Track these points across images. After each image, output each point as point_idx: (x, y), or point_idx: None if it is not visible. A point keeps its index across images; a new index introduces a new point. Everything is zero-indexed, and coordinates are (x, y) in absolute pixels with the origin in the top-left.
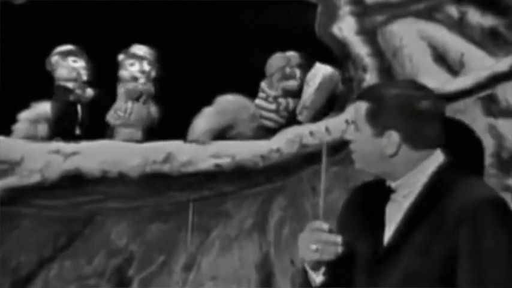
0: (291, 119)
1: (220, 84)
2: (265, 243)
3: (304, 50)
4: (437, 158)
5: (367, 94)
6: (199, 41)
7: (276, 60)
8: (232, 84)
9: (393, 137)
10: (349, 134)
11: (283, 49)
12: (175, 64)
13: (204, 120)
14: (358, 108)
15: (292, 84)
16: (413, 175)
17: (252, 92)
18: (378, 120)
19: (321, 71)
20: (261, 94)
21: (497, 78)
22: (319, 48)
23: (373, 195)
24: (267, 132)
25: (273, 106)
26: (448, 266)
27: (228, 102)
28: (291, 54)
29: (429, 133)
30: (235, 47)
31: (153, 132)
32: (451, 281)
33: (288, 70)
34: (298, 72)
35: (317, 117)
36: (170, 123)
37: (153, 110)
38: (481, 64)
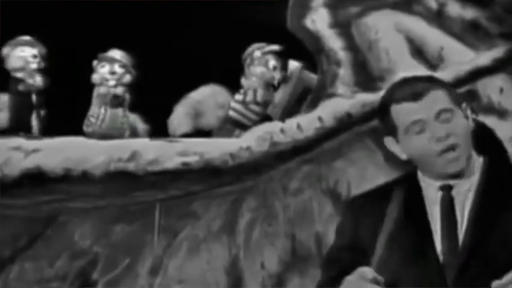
0: (261, 114)
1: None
2: (234, 245)
3: (274, 44)
4: (478, 158)
5: (433, 82)
6: (172, 42)
7: (248, 48)
8: (211, 76)
9: (468, 109)
10: (446, 129)
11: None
12: (157, 68)
13: (180, 111)
14: (439, 97)
15: (262, 70)
16: (469, 168)
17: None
18: (457, 99)
19: (290, 67)
20: (241, 90)
21: (478, 73)
22: (290, 42)
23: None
24: (233, 125)
25: (240, 97)
26: None
27: (202, 90)
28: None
29: None
30: (208, 44)
31: None
32: None
33: (257, 54)
34: (272, 61)
35: (287, 114)
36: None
37: (134, 119)
38: (461, 58)
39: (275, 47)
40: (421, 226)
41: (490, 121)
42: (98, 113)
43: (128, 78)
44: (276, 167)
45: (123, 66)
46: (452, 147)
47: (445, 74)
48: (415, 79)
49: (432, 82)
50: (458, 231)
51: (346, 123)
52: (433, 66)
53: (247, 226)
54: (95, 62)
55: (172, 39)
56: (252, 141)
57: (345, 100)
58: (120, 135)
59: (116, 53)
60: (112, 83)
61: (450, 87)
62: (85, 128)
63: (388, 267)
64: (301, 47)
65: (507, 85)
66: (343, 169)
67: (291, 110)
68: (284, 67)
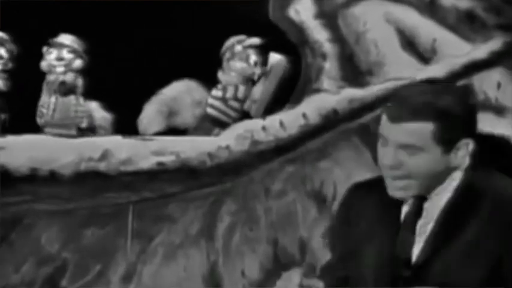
0: (241, 111)
1: (174, 74)
2: (213, 251)
3: (256, 36)
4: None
5: (424, 112)
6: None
7: (228, 41)
8: (186, 73)
9: (470, 145)
10: (401, 162)
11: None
12: (124, 56)
13: (152, 108)
14: (415, 131)
15: (242, 66)
16: (448, 183)
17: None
18: (450, 135)
19: (270, 60)
20: (218, 85)
21: (473, 67)
22: (273, 33)
23: (380, 194)
24: (211, 123)
25: (219, 93)
26: (493, 269)
27: (176, 86)
28: (244, 36)
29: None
30: (186, 34)
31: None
32: (494, 284)
33: (238, 48)
34: (253, 56)
35: (268, 111)
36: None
37: (93, 107)
38: (456, 51)
39: (256, 41)
40: (390, 230)
41: (486, 118)
42: (48, 103)
43: (78, 63)
44: (257, 167)
45: (72, 51)
46: (401, 177)
47: (438, 68)
48: (421, 92)
49: (427, 113)
50: (413, 246)
51: (332, 121)
52: (425, 59)
53: (226, 231)
54: (44, 49)
55: (148, 30)
56: (232, 140)
57: (330, 96)
58: (74, 125)
59: (65, 38)
60: (60, 69)
61: (449, 120)
62: (38, 120)
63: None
64: (284, 39)
65: (505, 80)
66: (328, 170)
67: (273, 106)
68: (265, 61)
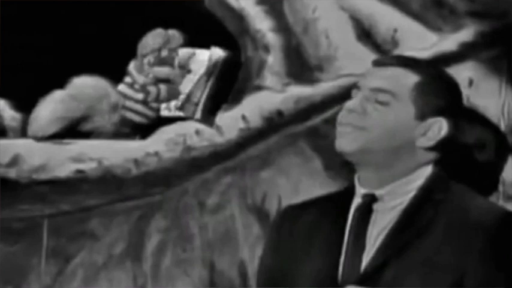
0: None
1: (79, 65)
2: (140, 273)
3: (188, 25)
4: (427, 169)
5: (414, 64)
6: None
7: (152, 39)
8: (95, 65)
9: (442, 125)
10: (364, 110)
11: (162, 25)
12: (37, 50)
13: (50, 107)
14: (398, 76)
15: (166, 72)
16: (402, 184)
17: (119, 76)
18: (431, 99)
19: (210, 55)
20: (127, 79)
21: (441, 61)
22: (207, 22)
23: (326, 210)
24: (131, 129)
25: (139, 95)
26: (454, 281)
27: (84, 86)
28: (172, 33)
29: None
30: (100, 19)
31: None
32: None
33: (164, 53)
34: (177, 58)
35: (208, 112)
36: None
37: (1, 106)
38: (420, 42)
39: (180, 39)
40: (333, 243)
41: None
42: None
43: None
44: (190, 177)
45: None
46: (355, 126)
47: None
48: (407, 56)
49: (414, 64)
50: (363, 254)
51: (276, 123)
52: (384, 52)
53: (155, 250)
54: None
55: (65, 22)
56: (161, 145)
57: (274, 94)
58: None
59: None
60: None
61: (434, 84)
62: None
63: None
64: (220, 29)
65: (477, 76)
66: (272, 180)
67: (216, 107)
68: (191, 57)
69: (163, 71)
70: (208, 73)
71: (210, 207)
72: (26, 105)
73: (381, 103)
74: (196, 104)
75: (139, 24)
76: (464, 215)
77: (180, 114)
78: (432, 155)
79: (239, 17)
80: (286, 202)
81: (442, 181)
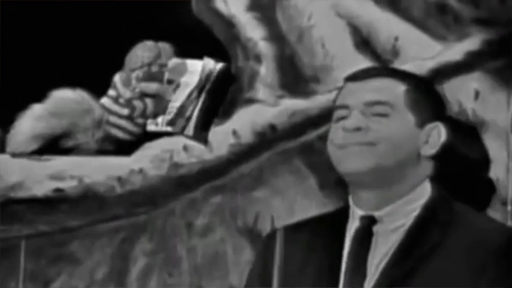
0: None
1: (60, 77)
2: None
3: (175, 33)
4: (426, 187)
5: (393, 73)
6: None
7: (142, 53)
8: (77, 77)
9: (441, 130)
10: (367, 126)
11: (148, 32)
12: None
13: (29, 123)
14: (387, 87)
15: (155, 88)
16: (404, 204)
17: (103, 89)
18: (423, 103)
19: (202, 66)
20: (111, 92)
21: (445, 72)
22: (195, 30)
23: (318, 234)
24: (116, 145)
25: (125, 111)
26: None
27: (65, 101)
28: (163, 46)
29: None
30: (81, 26)
31: None
32: None
33: (155, 69)
34: (167, 73)
35: (201, 128)
36: None
37: None
38: (423, 51)
39: (175, 61)
40: (329, 270)
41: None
42: None
43: None
44: (177, 196)
45: None
46: (364, 143)
47: None
48: (384, 67)
49: (396, 73)
50: (365, 282)
51: (268, 139)
52: (384, 62)
53: (140, 275)
54: None
55: (49, 29)
56: (146, 161)
57: (267, 108)
58: None
59: None
60: None
61: (421, 89)
62: None
63: None
64: (209, 37)
65: (484, 87)
66: (265, 200)
67: (205, 122)
68: (182, 68)
69: (151, 86)
70: (201, 86)
71: (198, 229)
72: (3, 120)
73: (381, 115)
74: (188, 119)
75: (124, 31)
76: (472, 237)
77: (168, 129)
78: (431, 168)
79: (229, 24)
80: (280, 223)
81: (445, 200)
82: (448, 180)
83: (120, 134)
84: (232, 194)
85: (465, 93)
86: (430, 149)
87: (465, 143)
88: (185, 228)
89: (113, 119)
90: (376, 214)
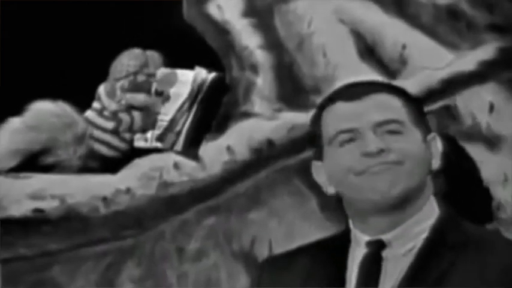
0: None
1: (40, 88)
2: None
3: (164, 40)
4: (432, 205)
5: (382, 86)
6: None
7: (128, 61)
8: (59, 88)
9: (437, 139)
10: (388, 146)
11: (135, 39)
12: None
13: (5, 138)
14: (389, 103)
15: (142, 100)
16: (412, 225)
17: (87, 101)
18: (419, 118)
19: (194, 76)
20: (95, 104)
21: (457, 83)
22: (186, 37)
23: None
24: (101, 162)
25: (110, 124)
26: None
27: (44, 114)
28: (151, 54)
29: None
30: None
31: None
32: None
33: (141, 78)
34: (155, 85)
35: (191, 144)
36: None
37: None
38: (433, 61)
39: (163, 70)
40: None
41: (474, 152)
42: None
43: None
44: (167, 218)
45: None
46: (391, 163)
47: (408, 84)
48: (369, 81)
49: (388, 88)
50: None
51: (266, 156)
52: (391, 72)
53: None
54: None
55: (29, 33)
56: (134, 180)
57: (264, 122)
58: None
59: None
60: None
61: (414, 102)
62: None
63: None
64: (202, 45)
65: (499, 100)
66: (262, 223)
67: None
68: (172, 79)
69: (138, 98)
70: (193, 97)
71: (190, 254)
72: None
73: (396, 133)
74: (178, 133)
75: (109, 37)
76: (484, 258)
77: (158, 145)
78: (437, 183)
79: (223, 31)
80: (278, 248)
81: (454, 220)
82: (450, 194)
83: (104, 150)
84: (227, 216)
85: (479, 106)
86: (436, 162)
87: (454, 153)
88: (176, 253)
89: (97, 133)
90: (384, 238)
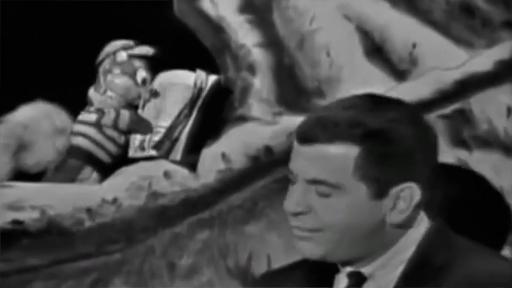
0: (120, 145)
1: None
2: None
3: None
4: (422, 222)
5: (349, 131)
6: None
7: (108, 48)
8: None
9: (413, 191)
10: (309, 207)
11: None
12: None
13: None
14: (330, 160)
15: (126, 83)
16: (395, 253)
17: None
18: (384, 170)
19: (194, 79)
20: (87, 107)
21: (472, 84)
22: (177, 34)
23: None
24: (80, 160)
25: (91, 117)
26: None
27: (28, 110)
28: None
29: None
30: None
31: None
32: None
33: (122, 57)
34: (141, 72)
35: (189, 152)
36: None
37: None
38: (446, 60)
39: (148, 49)
40: None
41: (490, 159)
42: None
43: None
44: (157, 231)
45: None
46: (309, 229)
47: (419, 86)
48: (351, 106)
49: (361, 125)
50: None
51: (264, 164)
52: (400, 72)
53: None
54: None
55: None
56: (121, 190)
57: (262, 127)
58: None
59: None
60: None
61: (395, 145)
62: None
63: None
64: (194, 43)
65: None
66: (259, 236)
67: (195, 144)
68: (173, 80)
69: (117, 81)
70: (193, 102)
71: (182, 270)
72: None
73: (323, 195)
74: (176, 141)
75: (110, 36)
76: (472, 282)
77: (153, 153)
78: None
79: (217, 28)
80: (277, 263)
81: (442, 237)
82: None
83: (84, 144)
84: (222, 229)
85: (495, 110)
86: (399, 215)
87: (474, 188)
88: (167, 269)
89: (78, 126)
90: (365, 271)
